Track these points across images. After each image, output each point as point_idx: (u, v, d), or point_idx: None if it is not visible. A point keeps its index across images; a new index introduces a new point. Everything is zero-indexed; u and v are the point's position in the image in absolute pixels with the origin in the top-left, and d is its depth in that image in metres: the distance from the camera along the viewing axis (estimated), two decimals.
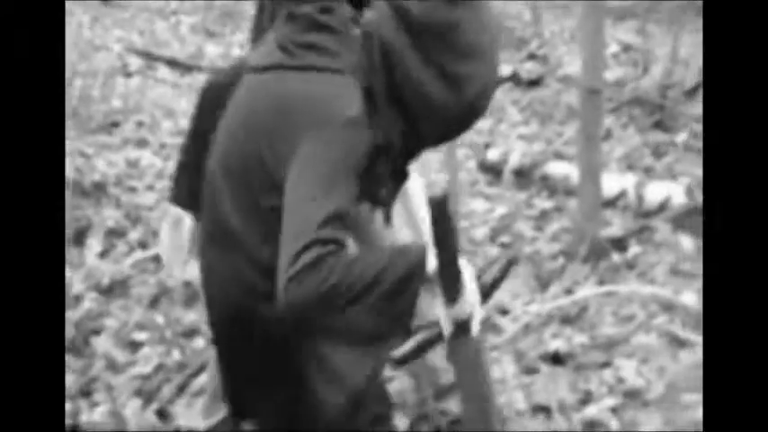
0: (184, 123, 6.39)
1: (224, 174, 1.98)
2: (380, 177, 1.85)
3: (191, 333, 3.70)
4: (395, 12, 1.70)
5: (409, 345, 1.72)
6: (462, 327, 1.73)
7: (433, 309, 1.71)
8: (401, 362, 1.77)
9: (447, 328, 1.72)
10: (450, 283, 1.69)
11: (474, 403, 1.85)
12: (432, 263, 1.68)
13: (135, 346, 3.70)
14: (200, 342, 3.68)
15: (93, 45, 8.09)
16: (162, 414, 3.24)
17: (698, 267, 4.11)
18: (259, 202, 1.87)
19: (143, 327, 3.77)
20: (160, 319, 3.82)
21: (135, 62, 7.98)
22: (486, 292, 1.81)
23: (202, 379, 3.38)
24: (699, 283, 3.92)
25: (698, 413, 2.98)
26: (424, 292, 1.67)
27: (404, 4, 1.70)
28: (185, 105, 6.76)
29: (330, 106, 1.80)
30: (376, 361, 2.03)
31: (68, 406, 3.25)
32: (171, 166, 5.37)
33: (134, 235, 4.57)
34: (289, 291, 1.61)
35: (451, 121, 1.79)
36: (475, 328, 1.76)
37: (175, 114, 6.60)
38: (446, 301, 1.70)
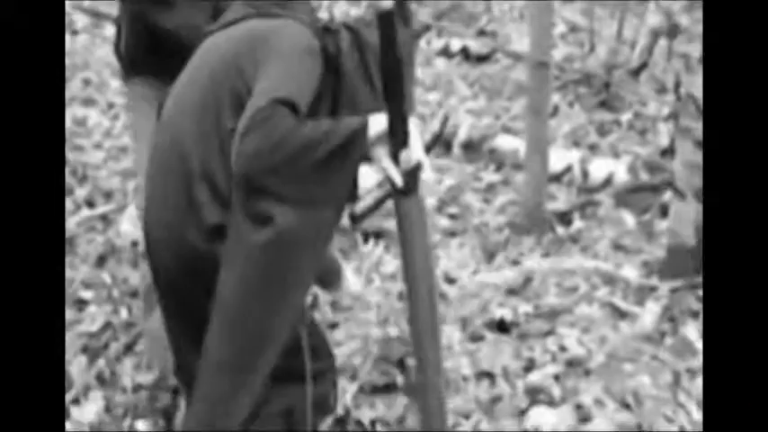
0: None
1: (182, 108, 2.06)
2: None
3: (138, 293, 3.65)
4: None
5: (365, 202, 1.81)
6: (410, 180, 1.80)
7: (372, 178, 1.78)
8: (360, 218, 1.85)
9: (397, 179, 1.78)
10: (398, 125, 1.75)
11: (418, 259, 1.94)
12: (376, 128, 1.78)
13: (81, 304, 3.66)
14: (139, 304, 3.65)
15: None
16: (107, 373, 3.21)
17: (638, 243, 4.19)
18: (221, 124, 1.94)
19: (89, 285, 3.73)
20: (107, 278, 3.78)
21: (81, 19, 7.79)
22: (429, 146, 1.95)
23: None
24: (639, 258, 4.00)
25: (636, 381, 3.05)
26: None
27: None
28: None
29: (292, 38, 1.98)
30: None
31: None
32: (118, 126, 5.31)
33: (81, 193, 4.50)
34: (242, 142, 1.73)
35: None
36: (423, 177, 1.85)
37: None
38: (394, 150, 1.77)
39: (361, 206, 1.81)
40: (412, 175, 1.80)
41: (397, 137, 1.76)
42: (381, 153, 1.79)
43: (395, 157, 1.79)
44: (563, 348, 3.28)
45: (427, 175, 1.85)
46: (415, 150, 1.80)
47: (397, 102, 1.75)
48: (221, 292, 1.94)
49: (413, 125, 1.81)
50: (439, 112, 6.16)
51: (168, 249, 2.08)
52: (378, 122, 1.80)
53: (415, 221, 1.91)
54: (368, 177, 2.14)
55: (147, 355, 3.15)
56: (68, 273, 3.80)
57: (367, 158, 1.81)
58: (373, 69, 2.01)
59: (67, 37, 7.01)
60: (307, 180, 1.78)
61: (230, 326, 1.96)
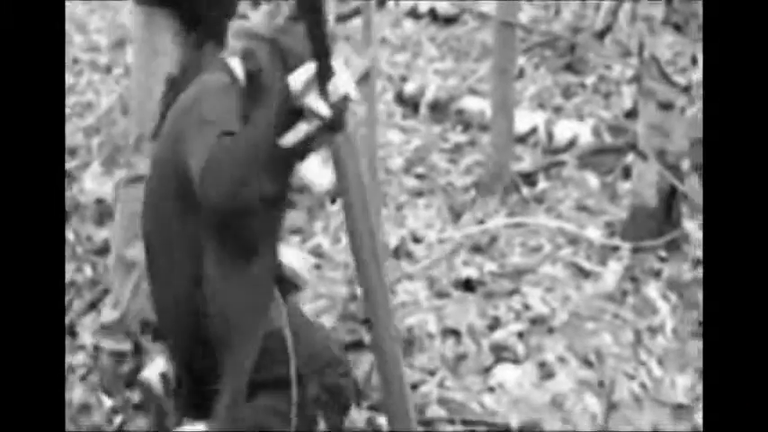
0: (97, 39, 6.19)
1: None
2: None
3: (102, 251, 3.61)
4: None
5: (294, 135, 1.73)
6: (338, 114, 1.75)
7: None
8: (293, 153, 1.77)
9: (323, 111, 1.73)
10: (322, 60, 1.71)
11: (353, 187, 1.93)
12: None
13: None
14: (111, 260, 3.59)
15: None
16: (71, 331, 3.17)
17: (601, 204, 4.20)
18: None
19: None
20: (71, 236, 3.72)
21: None
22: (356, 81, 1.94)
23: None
24: (602, 219, 4.01)
25: (598, 339, 3.06)
26: None
27: None
28: (98, 21, 6.54)
29: (208, 101, 2.00)
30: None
31: None
32: (82, 83, 5.21)
33: None
34: (204, 178, 1.76)
35: None
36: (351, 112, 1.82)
37: (88, 30, 6.37)
38: (320, 84, 1.72)
39: (289, 140, 1.73)
40: (339, 108, 1.75)
41: (321, 71, 1.72)
42: (311, 96, 1.75)
43: (323, 93, 1.74)
44: (527, 307, 3.28)
45: (357, 109, 1.83)
46: (340, 82, 1.74)
47: (317, 36, 1.70)
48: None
49: (339, 61, 1.77)
50: (409, 75, 6.12)
51: None
52: (303, 71, 1.75)
53: (347, 156, 1.91)
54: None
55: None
56: None
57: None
58: None
59: None
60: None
61: None
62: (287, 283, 2.44)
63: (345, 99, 1.75)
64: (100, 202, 3.82)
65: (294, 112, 1.74)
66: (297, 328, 2.24)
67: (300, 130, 1.73)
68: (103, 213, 3.82)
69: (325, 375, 2.28)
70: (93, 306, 3.29)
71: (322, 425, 2.25)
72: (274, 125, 1.74)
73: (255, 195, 1.74)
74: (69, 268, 3.49)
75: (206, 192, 1.75)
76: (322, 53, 1.71)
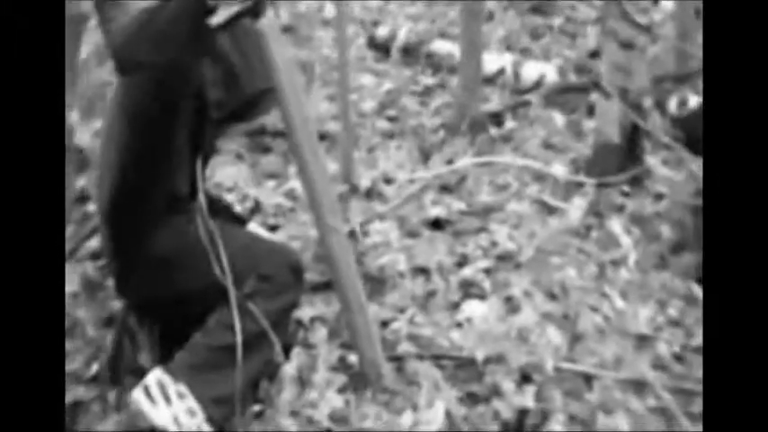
0: None
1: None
2: None
3: (81, 199, 3.50)
4: None
5: (220, 17, 1.77)
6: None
7: None
8: (223, 27, 1.81)
9: None
10: None
11: (281, 71, 1.95)
12: None
13: None
14: (90, 207, 3.50)
15: None
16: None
17: (566, 141, 4.11)
18: None
19: None
20: None
21: None
22: None
23: (93, 243, 3.23)
24: (567, 156, 3.93)
25: (563, 274, 3.01)
26: None
27: None
28: None
29: None
30: None
31: None
32: None
33: None
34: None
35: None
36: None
37: None
38: None
39: (216, 20, 1.76)
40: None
41: None
42: None
43: None
44: (494, 243, 3.21)
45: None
46: None
47: None
48: None
49: None
50: (381, 19, 5.98)
51: None
52: None
53: (272, 36, 1.93)
54: None
55: None
56: None
57: None
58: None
59: None
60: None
61: None
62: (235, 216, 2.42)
63: None
64: (79, 151, 3.69)
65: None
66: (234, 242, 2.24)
67: (225, 12, 1.76)
68: (83, 162, 3.71)
69: (260, 266, 2.23)
70: (73, 254, 3.20)
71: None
72: (191, 6, 1.78)
73: (168, 57, 1.81)
74: None
75: (121, 54, 1.81)
76: None
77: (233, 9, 1.77)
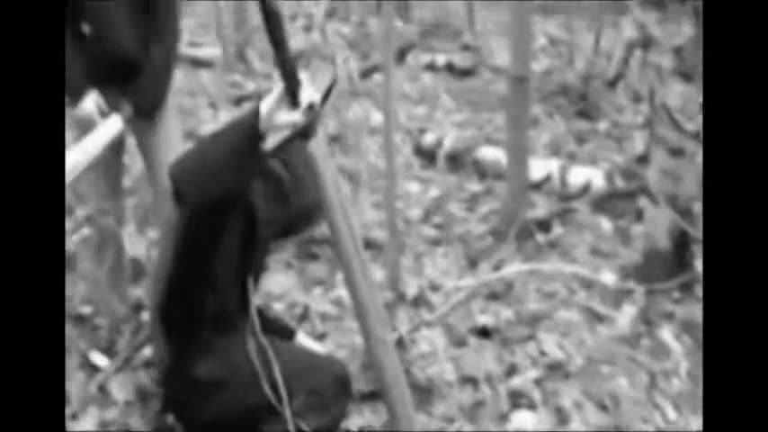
0: None
1: None
2: None
3: (136, 308, 3.60)
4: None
5: (273, 142, 1.97)
6: (310, 122, 1.94)
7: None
8: (273, 155, 2.03)
9: (297, 118, 1.91)
10: (290, 77, 1.88)
11: (329, 188, 2.03)
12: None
13: (81, 319, 3.61)
14: (144, 316, 3.59)
15: None
16: (103, 389, 3.16)
17: (614, 248, 4.14)
18: None
19: (89, 301, 3.67)
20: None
21: None
22: (324, 95, 2.05)
23: (147, 352, 3.31)
24: (615, 263, 3.95)
25: (613, 383, 3.00)
26: None
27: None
28: None
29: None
30: None
31: None
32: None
33: (80, 212, 4.43)
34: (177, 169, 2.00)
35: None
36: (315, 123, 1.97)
37: None
38: (290, 97, 1.90)
39: (269, 145, 1.93)
40: (309, 117, 1.93)
41: (290, 86, 1.89)
42: (282, 113, 1.92)
43: (294, 104, 1.91)
44: (543, 353, 3.22)
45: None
46: (307, 94, 1.92)
47: (283, 58, 1.85)
48: None
49: (305, 77, 1.93)
50: (427, 126, 6.12)
51: None
52: (272, 95, 1.91)
53: (321, 156, 2.01)
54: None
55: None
56: (69, 290, 3.75)
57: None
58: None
59: None
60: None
61: None
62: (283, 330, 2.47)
63: (313, 107, 1.92)
64: (135, 261, 3.81)
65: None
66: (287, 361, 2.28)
67: (277, 137, 1.94)
68: (137, 272, 3.82)
69: (309, 382, 2.27)
70: (128, 362, 3.28)
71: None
72: (243, 137, 1.91)
73: (221, 188, 1.93)
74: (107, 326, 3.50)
75: (177, 182, 1.96)
76: (289, 72, 1.87)
77: (284, 134, 1.91)
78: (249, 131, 1.91)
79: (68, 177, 2.72)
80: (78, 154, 2.75)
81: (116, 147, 3.30)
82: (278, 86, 1.92)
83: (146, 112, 3.12)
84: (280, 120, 1.92)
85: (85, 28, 3.10)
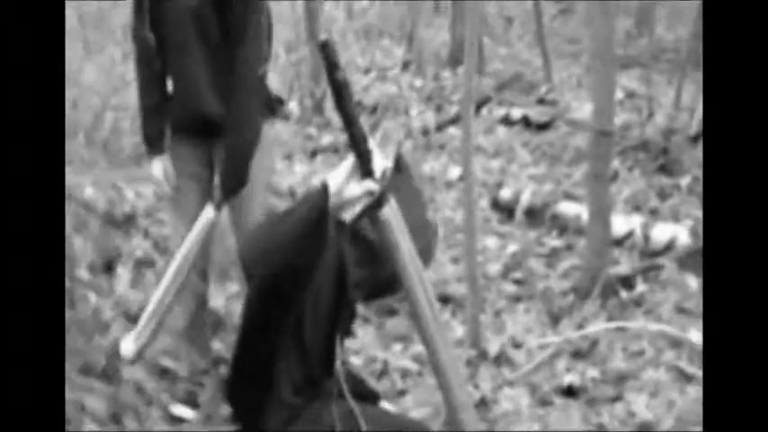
0: None
1: None
2: None
3: (218, 361, 3.67)
4: None
5: (352, 214, 2.00)
6: (384, 190, 1.98)
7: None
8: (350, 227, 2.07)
9: (373, 187, 1.94)
10: (362, 148, 1.92)
11: (404, 255, 2.04)
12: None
13: (163, 372, 3.68)
14: (225, 369, 3.65)
15: (124, 80, 8.13)
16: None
17: (701, 306, 4.08)
18: None
19: (170, 354, 3.74)
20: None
21: None
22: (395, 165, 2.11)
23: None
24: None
25: None
26: None
27: None
28: None
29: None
30: None
31: (97, 429, 3.22)
32: None
33: (162, 264, 4.56)
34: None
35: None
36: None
37: None
38: (363, 167, 1.93)
39: (348, 217, 1.99)
40: (383, 184, 1.97)
41: (363, 157, 1.92)
42: (354, 184, 1.95)
43: (367, 174, 1.94)
44: (631, 413, 3.19)
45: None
46: (379, 162, 1.96)
47: (351, 121, 1.89)
48: None
49: (373, 144, 1.96)
50: (504, 180, 6.15)
51: None
52: (340, 169, 1.95)
53: (396, 226, 2.03)
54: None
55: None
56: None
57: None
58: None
59: None
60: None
61: None
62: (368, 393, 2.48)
63: (386, 174, 1.97)
64: (214, 314, 3.88)
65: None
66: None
67: (352, 211, 1.96)
68: (217, 324, 3.90)
69: None
70: (210, 417, 3.33)
71: None
72: (311, 216, 1.93)
73: (287, 264, 1.97)
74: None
75: (245, 261, 2.04)
76: (360, 140, 1.91)
77: (357, 209, 1.97)
78: (317, 210, 1.94)
79: (176, 280, 2.94)
80: (182, 257, 2.99)
81: (202, 203, 3.40)
82: (347, 160, 1.97)
83: (233, 192, 3.21)
84: (352, 192, 1.95)
85: (169, 84, 3.24)
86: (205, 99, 3.19)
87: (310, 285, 2.15)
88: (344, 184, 1.94)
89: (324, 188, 1.94)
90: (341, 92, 1.86)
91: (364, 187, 1.94)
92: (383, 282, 2.27)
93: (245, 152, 3.18)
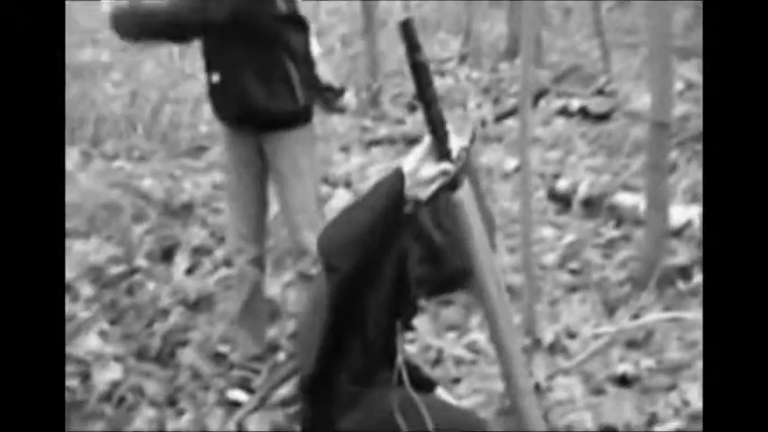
0: None
1: None
2: None
3: (272, 348, 3.73)
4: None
5: (427, 192, 1.96)
6: (459, 172, 1.98)
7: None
8: (425, 203, 2.01)
9: (449, 167, 1.95)
10: (437, 123, 1.93)
11: (479, 246, 2.05)
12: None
13: (219, 358, 3.76)
14: (281, 356, 3.71)
15: (182, 73, 8.26)
16: (241, 425, 3.28)
17: None
18: None
19: (226, 340, 3.82)
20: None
21: None
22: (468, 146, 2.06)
23: (283, 391, 3.42)
24: None
25: None
26: None
27: None
28: None
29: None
30: None
31: (154, 413, 3.31)
32: None
33: (219, 253, 4.64)
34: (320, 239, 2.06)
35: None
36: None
37: None
38: (440, 147, 1.94)
39: (423, 196, 1.96)
40: (459, 165, 1.97)
41: (438, 134, 1.93)
42: (430, 165, 1.96)
43: (444, 155, 1.95)
44: (686, 402, 3.16)
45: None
46: (457, 143, 1.97)
47: (430, 102, 1.90)
48: None
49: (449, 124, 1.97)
50: (561, 171, 6.12)
51: None
52: (415, 152, 1.97)
53: (469, 209, 2.04)
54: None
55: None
56: (207, 329, 3.92)
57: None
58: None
59: (208, 106, 7.29)
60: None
61: None
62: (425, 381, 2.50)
63: (461, 156, 1.97)
64: (270, 301, 3.95)
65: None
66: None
67: (427, 190, 1.95)
68: (273, 312, 3.96)
69: None
70: (263, 401, 3.39)
71: None
72: (387, 201, 1.96)
73: (368, 253, 1.98)
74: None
75: (325, 255, 2.03)
76: (437, 121, 1.92)
77: (433, 187, 1.96)
78: (393, 195, 1.96)
79: None
80: None
81: (258, 191, 3.48)
82: (422, 143, 1.98)
83: None
84: (428, 172, 1.96)
85: (215, 77, 3.32)
86: (250, 91, 3.26)
87: (379, 278, 2.18)
88: (420, 166, 1.95)
89: (399, 172, 1.95)
90: (420, 73, 1.88)
91: (440, 167, 1.95)
92: (446, 279, 2.28)
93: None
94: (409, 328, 2.52)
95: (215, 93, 3.36)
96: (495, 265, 2.11)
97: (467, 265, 2.11)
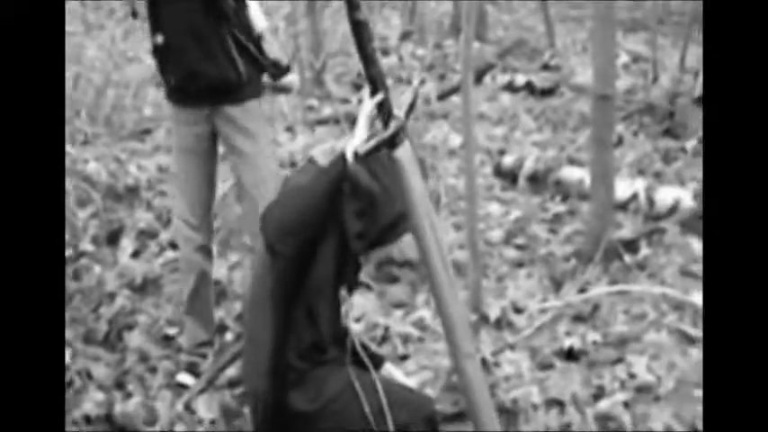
0: None
1: None
2: None
3: (220, 329, 3.70)
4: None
5: (365, 146, 2.02)
6: (398, 132, 2.04)
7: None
8: (366, 155, 2.05)
9: (388, 133, 2.02)
10: (377, 83, 1.98)
11: (415, 194, 2.10)
12: None
13: (166, 340, 3.72)
14: (228, 336, 3.69)
15: (125, 57, 8.14)
16: (189, 407, 3.26)
17: None
18: None
19: (173, 323, 3.79)
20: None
21: None
22: (407, 111, 2.12)
23: (230, 372, 3.40)
24: None
25: None
26: None
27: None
28: None
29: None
30: None
31: (102, 396, 3.28)
32: None
33: (164, 236, 4.59)
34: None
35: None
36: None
37: None
38: (381, 110, 2.01)
39: (361, 149, 2.01)
40: (398, 124, 2.03)
41: (378, 90, 1.99)
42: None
43: (384, 114, 2.02)
44: (632, 375, 3.21)
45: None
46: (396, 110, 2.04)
47: (371, 61, 1.95)
48: None
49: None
50: (507, 147, 6.14)
51: None
52: (359, 127, 2.04)
53: (408, 164, 2.09)
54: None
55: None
56: (154, 312, 3.88)
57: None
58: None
59: (152, 89, 7.19)
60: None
61: None
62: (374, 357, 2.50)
63: (403, 115, 2.06)
64: (216, 283, 3.91)
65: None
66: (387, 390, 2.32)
67: (366, 145, 2.01)
68: (219, 293, 3.92)
69: (397, 417, 2.30)
70: (211, 383, 3.37)
71: None
72: (332, 188, 2.03)
73: (311, 234, 2.06)
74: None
75: (270, 238, 2.08)
76: (377, 79, 1.98)
77: (372, 142, 2.00)
78: (334, 178, 2.02)
79: None
80: None
81: (206, 174, 3.43)
82: (360, 114, 2.05)
83: None
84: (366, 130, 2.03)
85: (159, 38, 3.27)
86: (190, 56, 3.23)
87: (321, 253, 2.18)
88: (366, 132, 2.03)
89: (342, 158, 1.99)
90: (360, 32, 1.89)
91: (382, 134, 2.02)
92: (385, 228, 2.27)
93: None
94: (354, 288, 2.52)
95: (158, 54, 3.32)
96: (436, 225, 2.13)
97: (403, 210, 2.13)
